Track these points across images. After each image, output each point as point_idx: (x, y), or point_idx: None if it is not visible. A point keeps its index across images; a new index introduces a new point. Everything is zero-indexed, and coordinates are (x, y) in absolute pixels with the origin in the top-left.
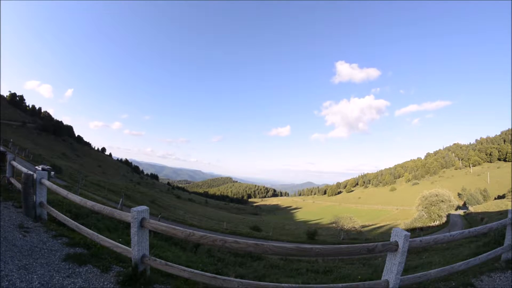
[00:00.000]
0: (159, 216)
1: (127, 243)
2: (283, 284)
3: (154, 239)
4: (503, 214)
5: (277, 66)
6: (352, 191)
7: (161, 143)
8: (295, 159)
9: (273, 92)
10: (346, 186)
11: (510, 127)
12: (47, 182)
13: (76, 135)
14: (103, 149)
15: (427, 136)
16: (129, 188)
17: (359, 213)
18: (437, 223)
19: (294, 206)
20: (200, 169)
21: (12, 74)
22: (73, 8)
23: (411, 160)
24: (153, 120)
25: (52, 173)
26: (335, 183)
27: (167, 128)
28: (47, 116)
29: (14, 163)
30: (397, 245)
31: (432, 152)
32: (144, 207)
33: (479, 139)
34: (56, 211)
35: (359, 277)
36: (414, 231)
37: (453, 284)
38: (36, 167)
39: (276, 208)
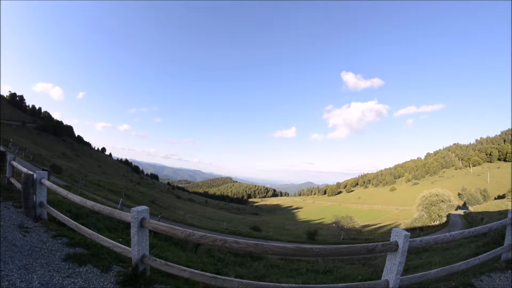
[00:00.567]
0: (159, 216)
1: (127, 243)
2: (283, 284)
3: (154, 239)
4: (503, 214)
5: (284, 69)
6: (352, 191)
7: (165, 144)
8: (295, 159)
9: (278, 94)
10: (346, 186)
11: (510, 127)
12: (47, 182)
13: (76, 135)
14: (103, 149)
15: (427, 136)
16: (129, 188)
17: (359, 213)
18: (437, 223)
19: (294, 206)
20: (200, 169)
21: (22, 76)
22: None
23: (411, 160)
24: (161, 122)
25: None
26: (335, 183)
27: (174, 130)
28: (47, 116)
29: (14, 163)
30: (397, 245)
31: (432, 152)
32: (144, 207)
33: (479, 139)
34: (56, 211)
35: (359, 277)
36: (414, 231)
37: (453, 284)
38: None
39: (276, 208)
